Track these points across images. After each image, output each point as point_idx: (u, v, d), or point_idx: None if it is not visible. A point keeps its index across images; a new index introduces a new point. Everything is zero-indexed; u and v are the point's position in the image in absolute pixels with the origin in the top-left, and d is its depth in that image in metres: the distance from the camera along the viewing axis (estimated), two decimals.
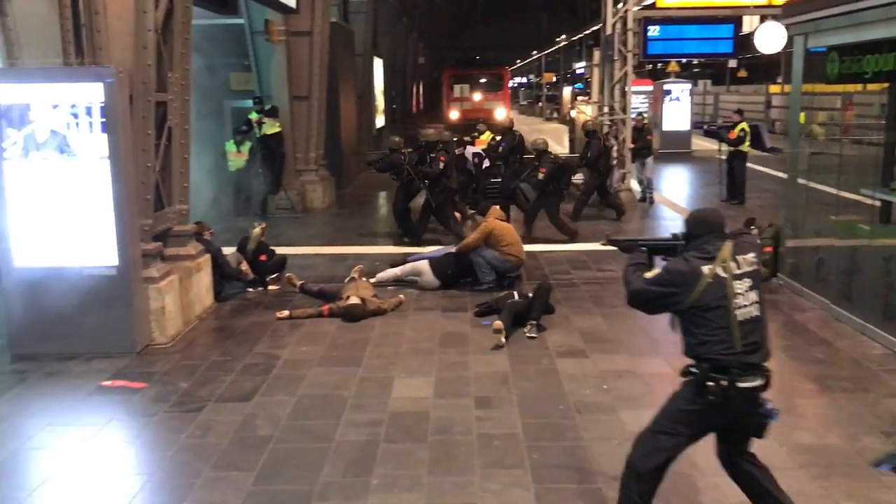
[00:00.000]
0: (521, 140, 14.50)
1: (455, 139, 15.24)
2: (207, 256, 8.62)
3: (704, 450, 5.09)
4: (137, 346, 7.13)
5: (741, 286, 3.63)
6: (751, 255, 3.72)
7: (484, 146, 14.50)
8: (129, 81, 7.08)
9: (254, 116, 14.28)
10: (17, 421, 5.77)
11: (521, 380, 6.41)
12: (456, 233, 11.40)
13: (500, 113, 35.07)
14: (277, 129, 14.25)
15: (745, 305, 3.63)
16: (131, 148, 7.11)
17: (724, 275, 3.61)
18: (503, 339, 7.25)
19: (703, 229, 3.77)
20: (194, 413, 5.85)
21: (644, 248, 4.01)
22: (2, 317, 7.28)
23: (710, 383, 3.62)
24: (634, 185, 15.72)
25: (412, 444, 5.28)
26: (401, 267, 9.56)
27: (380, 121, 26.87)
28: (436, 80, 51.40)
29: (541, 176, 11.39)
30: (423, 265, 9.40)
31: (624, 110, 15.68)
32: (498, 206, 9.76)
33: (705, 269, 3.62)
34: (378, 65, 26.33)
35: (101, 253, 6.96)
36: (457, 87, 34.87)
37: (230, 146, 14.33)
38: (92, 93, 6.77)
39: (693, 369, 3.72)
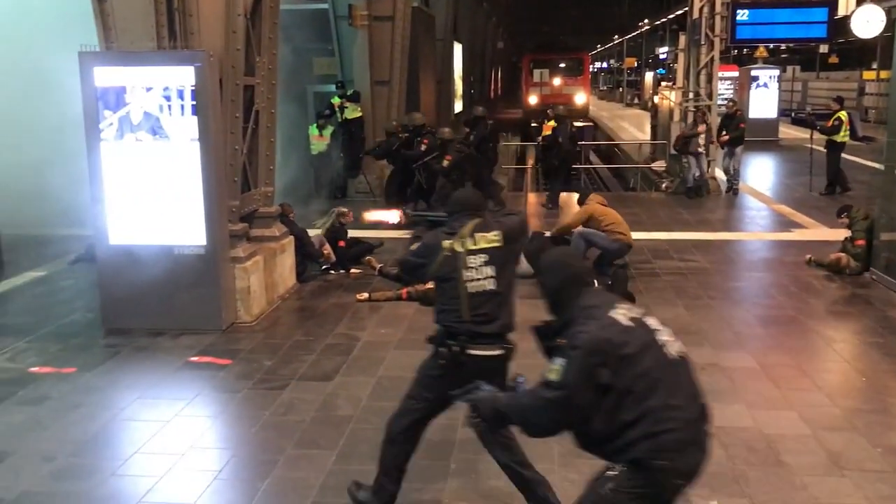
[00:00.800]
0: (492, 130, 14.60)
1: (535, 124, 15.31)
2: (291, 238, 8.78)
3: (796, 449, 4.96)
4: (223, 324, 7.33)
5: (475, 261, 3.87)
6: (492, 234, 3.92)
7: (549, 132, 14.58)
8: (219, 65, 7.24)
9: (336, 101, 14.47)
10: (109, 393, 6.00)
11: None
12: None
13: (580, 98, 34.67)
14: (359, 114, 14.40)
15: (478, 279, 3.86)
16: (220, 130, 7.28)
17: (459, 249, 3.88)
18: None
19: (457, 208, 4.06)
20: (278, 391, 5.98)
21: (427, 222, 4.37)
22: (96, 292, 7.57)
23: (442, 349, 3.89)
24: (720, 173, 15.29)
25: None
26: None
27: (458, 105, 26.88)
28: (514, 64, 51.07)
29: (445, 163, 11.66)
30: None
31: (710, 96, 15.26)
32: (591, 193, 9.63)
33: (445, 243, 3.91)
34: (458, 49, 26.31)
35: (190, 233, 7.16)
36: (536, 72, 34.59)
37: (313, 130, 14.56)
38: (183, 76, 6.94)
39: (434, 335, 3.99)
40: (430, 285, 8.20)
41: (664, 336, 2.98)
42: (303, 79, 15.49)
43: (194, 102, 6.96)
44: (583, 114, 33.46)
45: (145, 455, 5.01)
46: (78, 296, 8.38)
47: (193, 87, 6.92)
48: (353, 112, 14.32)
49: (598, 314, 2.94)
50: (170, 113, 6.99)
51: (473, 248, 3.88)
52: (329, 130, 14.48)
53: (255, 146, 8.25)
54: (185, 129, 7.00)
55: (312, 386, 6.08)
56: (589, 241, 8.64)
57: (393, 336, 7.20)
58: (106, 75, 6.98)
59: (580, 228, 8.71)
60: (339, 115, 14.45)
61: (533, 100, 33.92)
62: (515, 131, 32.51)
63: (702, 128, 14.54)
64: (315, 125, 14.61)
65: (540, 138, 14.50)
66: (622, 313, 2.95)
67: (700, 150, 14.50)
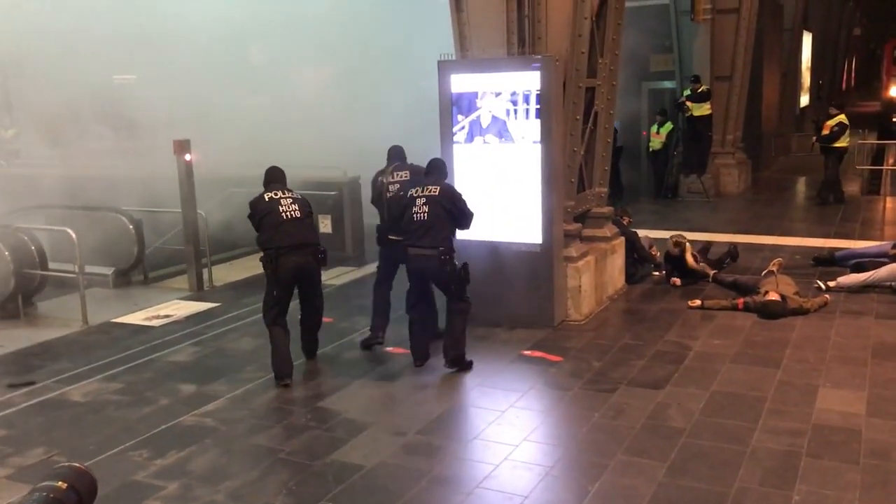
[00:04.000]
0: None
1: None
2: (622, 239, 8.76)
3: None
4: (555, 321, 7.52)
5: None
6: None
7: (827, 132, 13.35)
8: (563, 68, 7.41)
9: (686, 93, 14.05)
10: (453, 377, 6.45)
11: None
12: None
13: None
14: (707, 112, 13.92)
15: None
16: (561, 132, 7.46)
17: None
18: None
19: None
20: (607, 393, 6.00)
21: None
22: None
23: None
24: None
25: (840, 463, 4.81)
26: (872, 273, 8.37)
27: (804, 99, 24.83)
28: (873, 51, 45.91)
29: None
30: None
31: None
32: None
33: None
34: (806, 39, 24.27)
35: (527, 231, 7.44)
36: None
37: (653, 127, 14.46)
38: (529, 81, 7.21)
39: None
40: (771, 296, 7.72)
41: (287, 208, 6.34)
42: (638, 76, 15.33)
43: (538, 106, 7.20)
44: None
45: (483, 441, 5.32)
46: None
47: (538, 92, 7.17)
48: (698, 109, 13.85)
49: (261, 194, 6.44)
50: (515, 117, 7.31)
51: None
52: (666, 128, 14.19)
53: (592, 147, 8.34)
54: (528, 131, 7.28)
55: (642, 392, 6.01)
56: None
57: (728, 349, 6.87)
58: (461, 82, 7.48)
59: None
60: (688, 109, 14.03)
61: (895, 91, 30.06)
62: (872, 126, 28.99)
63: None
64: (655, 124, 14.48)
65: (814, 138, 13.97)
66: (268, 195, 6.40)
67: None
